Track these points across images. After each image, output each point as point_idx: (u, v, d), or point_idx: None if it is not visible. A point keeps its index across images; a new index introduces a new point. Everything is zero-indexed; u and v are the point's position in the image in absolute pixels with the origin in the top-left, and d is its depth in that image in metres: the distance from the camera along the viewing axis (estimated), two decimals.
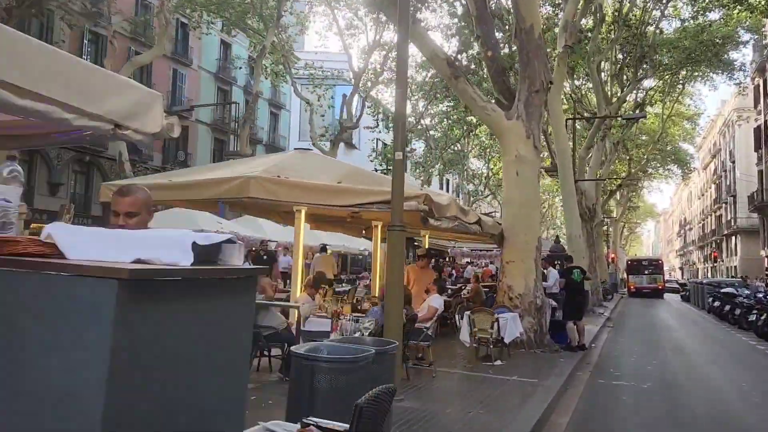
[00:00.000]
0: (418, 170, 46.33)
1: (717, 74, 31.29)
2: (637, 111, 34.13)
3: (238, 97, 39.73)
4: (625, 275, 52.97)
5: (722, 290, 20.12)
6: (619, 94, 26.93)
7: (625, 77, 27.73)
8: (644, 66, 26.54)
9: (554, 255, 18.05)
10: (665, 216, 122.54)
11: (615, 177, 39.49)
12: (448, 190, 61.33)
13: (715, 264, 49.82)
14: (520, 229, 10.35)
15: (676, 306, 30.31)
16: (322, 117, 32.64)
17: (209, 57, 35.90)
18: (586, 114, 28.37)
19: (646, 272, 42.37)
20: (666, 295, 45.85)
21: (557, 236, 21.43)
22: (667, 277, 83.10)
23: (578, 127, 31.20)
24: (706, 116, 49.30)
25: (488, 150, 46.12)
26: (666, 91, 35.96)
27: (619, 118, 23.66)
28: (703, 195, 74.01)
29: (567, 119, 24.16)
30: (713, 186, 66.31)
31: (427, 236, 12.27)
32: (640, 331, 16.06)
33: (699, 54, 26.97)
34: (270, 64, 29.55)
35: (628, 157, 38.09)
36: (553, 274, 12.56)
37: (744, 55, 50.45)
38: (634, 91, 34.33)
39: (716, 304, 20.63)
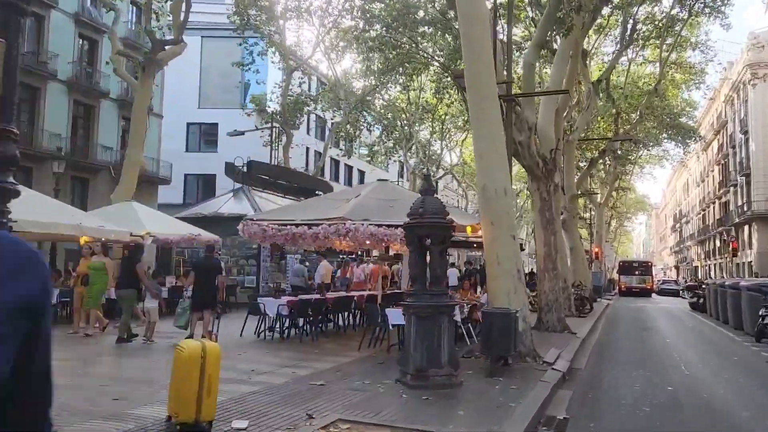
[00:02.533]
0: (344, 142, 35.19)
1: None
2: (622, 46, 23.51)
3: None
4: (614, 275, 49.67)
5: None
6: None
7: None
8: None
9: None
10: (657, 211, 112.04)
11: (597, 138, 28.74)
12: (403, 175, 50.05)
13: (734, 257, 38.95)
14: None
15: (690, 322, 19.48)
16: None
17: None
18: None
19: (637, 273, 42.36)
20: (662, 300, 37.03)
21: (426, 172, 9.72)
22: (661, 276, 73.61)
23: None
24: (716, 66, 38.58)
25: (436, 114, 35.35)
26: (666, 26, 25.64)
27: None
28: (703, 181, 63.42)
29: None
30: (717, 168, 55.72)
31: None
32: None
33: None
34: None
35: (614, 111, 27.30)
36: None
37: None
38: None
39: None
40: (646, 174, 68.78)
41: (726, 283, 17.55)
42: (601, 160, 30.29)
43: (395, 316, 9.13)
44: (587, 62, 24.50)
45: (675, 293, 43.68)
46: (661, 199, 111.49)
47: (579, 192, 27.58)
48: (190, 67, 38.57)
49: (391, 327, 9.21)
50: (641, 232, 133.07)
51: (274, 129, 25.60)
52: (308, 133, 39.75)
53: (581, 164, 31.08)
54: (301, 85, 25.77)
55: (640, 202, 73.76)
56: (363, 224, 9.19)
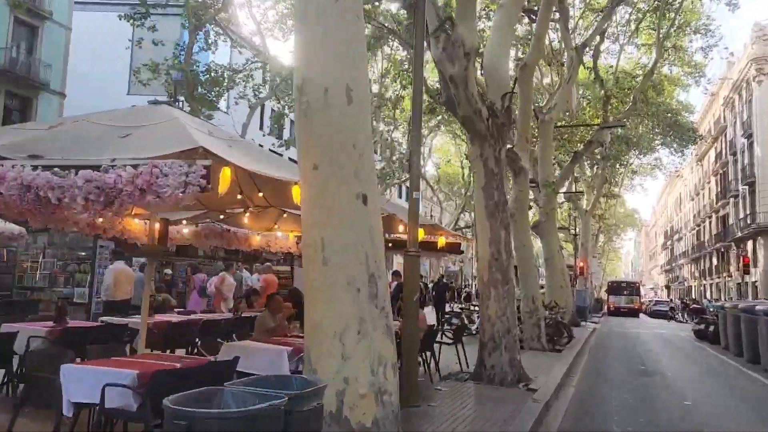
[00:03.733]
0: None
1: None
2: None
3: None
4: (602, 295, 47.85)
5: None
6: None
7: None
8: None
9: None
10: (647, 229, 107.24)
11: (583, 124, 23.81)
12: None
13: (746, 274, 33.82)
14: None
15: (704, 359, 14.28)
16: None
17: None
18: None
19: (625, 293, 42.28)
20: (655, 323, 32.72)
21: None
22: (651, 296, 68.79)
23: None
24: (720, 51, 33.91)
25: (403, 108, 29.95)
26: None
27: None
28: (698, 194, 58.67)
29: None
30: (714, 179, 50.98)
31: None
32: None
33: None
34: None
35: (603, 92, 22.31)
36: None
37: None
38: None
39: None
40: (636, 185, 62.99)
41: (758, 308, 12.37)
42: (586, 155, 25.15)
43: (84, 384, 3.89)
44: (568, 26, 19.62)
45: (665, 316, 39.73)
46: (650, 215, 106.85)
47: (561, 191, 22.58)
48: (117, 49, 33.38)
49: (68, 412, 3.95)
50: (630, 250, 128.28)
51: (178, 104, 20.29)
52: (261, 128, 34.45)
53: (563, 162, 26.07)
54: (211, 48, 20.53)
55: (630, 216, 68.91)
56: (18, 166, 3.90)
